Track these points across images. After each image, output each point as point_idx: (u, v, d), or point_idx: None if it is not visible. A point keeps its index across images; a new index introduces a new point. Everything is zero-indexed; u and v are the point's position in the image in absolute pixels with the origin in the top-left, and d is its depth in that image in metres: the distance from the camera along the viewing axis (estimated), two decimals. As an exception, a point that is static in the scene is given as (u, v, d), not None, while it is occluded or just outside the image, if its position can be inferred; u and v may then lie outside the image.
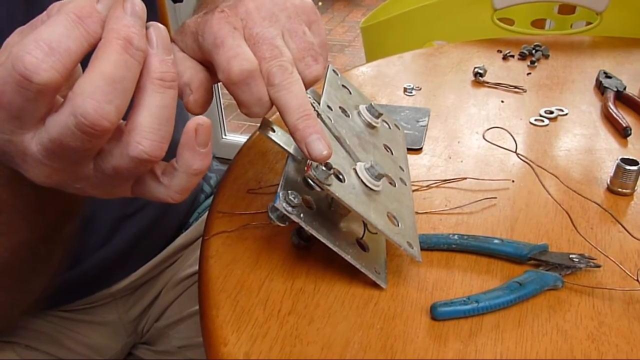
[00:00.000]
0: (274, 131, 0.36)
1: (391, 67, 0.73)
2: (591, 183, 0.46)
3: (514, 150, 0.46)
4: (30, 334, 0.55)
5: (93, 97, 0.24)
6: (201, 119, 0.28)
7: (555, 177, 0.44)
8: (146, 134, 0.26)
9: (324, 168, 0.32)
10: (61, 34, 0.23)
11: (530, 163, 0.46)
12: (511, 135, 0.48)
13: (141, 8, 0.26)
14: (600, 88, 0.64)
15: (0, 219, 0.32)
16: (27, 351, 0.54)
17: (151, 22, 0.27)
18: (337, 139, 0.37)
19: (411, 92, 0.64)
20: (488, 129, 0.50)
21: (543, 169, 0.45)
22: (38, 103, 0.24)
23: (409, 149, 0.51)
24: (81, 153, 0.26)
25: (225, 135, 1.97)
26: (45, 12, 0.25)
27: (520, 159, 0.46)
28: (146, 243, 0.58)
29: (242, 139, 1.97)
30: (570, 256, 0.37)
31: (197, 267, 0.61)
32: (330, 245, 0.34)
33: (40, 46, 0.23)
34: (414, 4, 0.98)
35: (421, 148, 0.52)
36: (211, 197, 0.68)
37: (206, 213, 0.66)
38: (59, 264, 0.39)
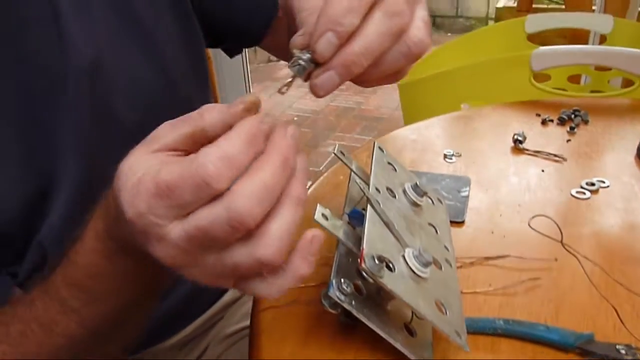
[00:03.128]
0: (326, 219, 0.38)
1: (430, 130, 0.75)
2: (636, 265, 0.46)
3: (560, 239, 0.47)
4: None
5: (250, 199, 0.28)
6: (317, 230, 0.32)
7: (601, 268, 0.45)
8: (276, 241, 0.29)
9: (376, 261, 0.33)
10: (240, 152, 0.28)
11: (576, 254, 0.46)
12: (556, 224, 0.49)
13: (297, 134, 0.31)
14: (642, 158, 0.64)
15: (101, 287, 0.36)
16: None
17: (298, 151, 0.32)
18: (387, 224, 0.38)
19: (451, 159, 0.66)
20: (534, 217, 0.51)
21: (588, 259, 0.46)
22: (203, 202, 0.28)
23: (451, 222, 0.52)
24: (217, 243, 0.29)
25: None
26: (198, 111, 0.31)
27: (567, 249, 0.47)
28: (197, 301, 0.61)
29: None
30: (617, 347, 0.37)
31: (243, 324, 0.64)
32: (380, 332, 0.35)
33: (224, 161, 0.28)
34: (450, 62, 1.01)
35: (463, 221, 0.53)
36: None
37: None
38: (132, 334, 0.42)
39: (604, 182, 0.60)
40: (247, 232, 0.29)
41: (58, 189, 0.45)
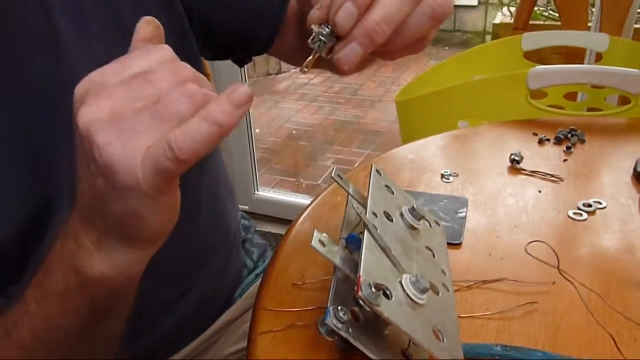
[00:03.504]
0: (323, 245, 0.38)
1: (428, 149, 0.75)
2: (633, 288, 0.46)
3: (556, 265, 0.47)
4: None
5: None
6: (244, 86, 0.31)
7: (598, 295, 0.45)
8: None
9: (373, 289, 0.33)
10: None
11: (573, 281, 0.46)
12: (553, 251, 0.49)
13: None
14: (639, 178, 0.64)
15: (122, 309, 0.38)
16: None
17: None
18: (384, 250, 0.39)
19: (448, 179, 0.66)
20: (530, 242, 0.51)
21: (584, 286, 0.46)
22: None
23: (448, 244, 0.53)
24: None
25: (257, 190, 2.00)
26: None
27: (563, 276, 0.47)
28: (195, 322, 0.60)
29: (274, 194, 2.01)
30: (615, 374, 0.37)
31: (241, 345, 0.63)
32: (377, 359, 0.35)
33: None
34: (447, 79, 1.01)
35: (460, 243, 0.53)
36: (254, 273, 0.71)
37: (250, 289, 0.69)
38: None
39: (600, 203, 0.60)
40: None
41: (56, 212, 0.46)
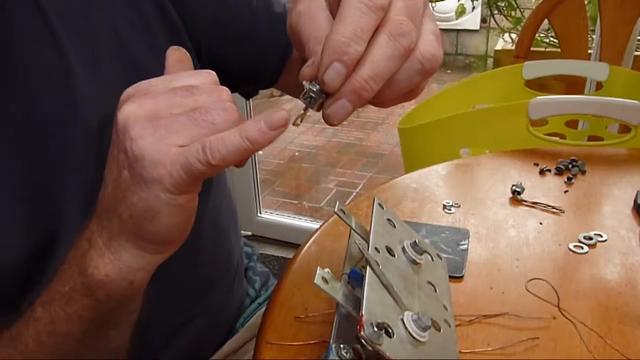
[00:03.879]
0: (326, 282, 0.39)
1: (430, 179, 0.76)
2: (633, 324, 0.47)
3: (557, 304, 0.48)
4: None
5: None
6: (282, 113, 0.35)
7: (598, 334, 0.45)
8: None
9: (375, 328, 0.34)
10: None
11: (573, 319, 0.47)
12: (553, 289, 0.49)
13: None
14: (639, 210, 0.65)
15: (125, 321, 0.41)
16: None
17: None
18: (386, 287, 0.39)
19: (450, 209, 0.67)
20: (530, 280, 0.51)
21: (585, 325, 0.46)
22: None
23: (450, 277, 0.53)
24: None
25: (260, 212, 2.01)
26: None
27: (563, 315, 0.47)
28: (196, 352, 0.61)
29: (277, 216, 2.01)
30: (616, 413, 0.37)
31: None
32: (379, 398, 0.35)
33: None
34: (449, 107, 1.02)
35: (462, 276, 0.54)
36: (256, 302, 0.71)
37: (252, 318, 0.69)
38: None
39: (601, 235, 0.60)
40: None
41: (61, 242, 0.46)
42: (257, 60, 0.60)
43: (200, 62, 0.56)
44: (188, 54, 0.41)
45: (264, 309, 0.71)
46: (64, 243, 0.46)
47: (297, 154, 2.83)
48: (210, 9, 0.55)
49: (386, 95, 0.36)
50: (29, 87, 0.43)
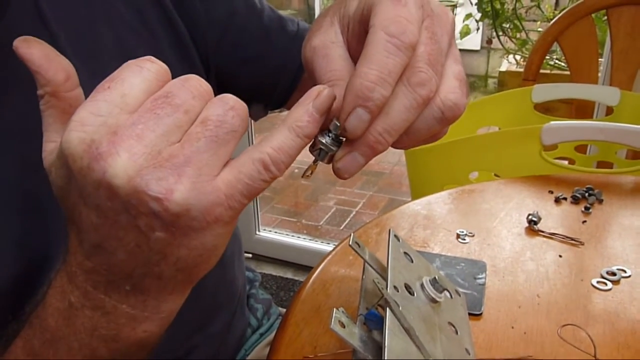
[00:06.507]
0: (343, 326, 0.36)
1: (441, 205, 0.73)
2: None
3: (593, 355, 0.44)
4: None
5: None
6: (323, 87, 0.31)
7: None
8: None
9: (400, 382, 0.30)
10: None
11: None
12: (589, 336, 0.46)
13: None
14: (661, 244, 0.62)
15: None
16: None
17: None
18: (407, 331, 0.36)
19: (464, 239, 0.64)
20: (564, 326, 0.48)
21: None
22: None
23: (469, 314, 0.50)
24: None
25: (259, 230, 1.97)
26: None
27: None
28: None
29: (275, 235, 1.97)
30: None
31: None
32: None
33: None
34: (457, 129, 1.00)
35: (481, 314, 0.50)
36: (258, 332, 0.67)
37: (254, 350, 0.65)
38: None
39: (625, 271, 0.57)
40: None
41: (53, 260, 0.43)
42: (267, 80, 0.58)
43: (208, 80, 0.53)
44: (49, 45, 0.33)
45: (265, 341, 0.68)
46: (56, 262, 0.43)
47: (296, 170, 2.80)
48: (219, 25, 0.53)
49: (404, 142, 0.33)
50: (28, 97, 0.40)
